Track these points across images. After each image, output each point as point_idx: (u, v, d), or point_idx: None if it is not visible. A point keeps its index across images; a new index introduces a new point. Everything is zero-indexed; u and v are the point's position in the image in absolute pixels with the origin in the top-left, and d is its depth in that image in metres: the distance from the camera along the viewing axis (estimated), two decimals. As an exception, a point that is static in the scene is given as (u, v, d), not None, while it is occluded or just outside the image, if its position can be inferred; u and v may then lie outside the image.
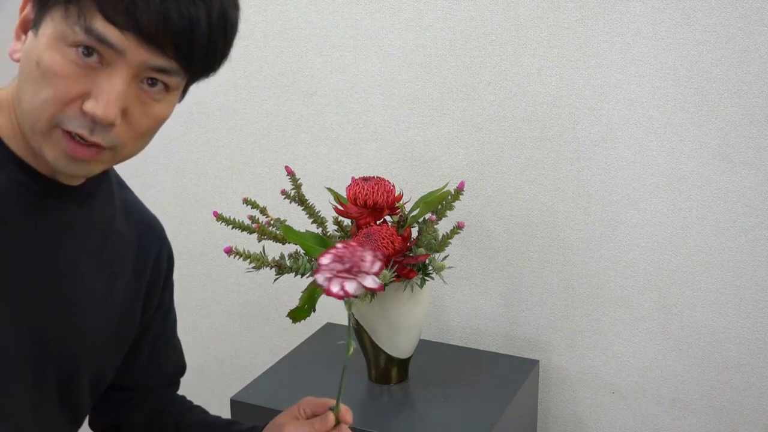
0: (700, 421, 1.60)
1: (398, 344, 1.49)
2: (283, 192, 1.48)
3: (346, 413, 1.03)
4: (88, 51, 0.79)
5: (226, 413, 1.69)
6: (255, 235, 1.42)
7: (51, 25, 0.79)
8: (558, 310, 1.67)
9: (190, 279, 2.05)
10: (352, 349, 0.95)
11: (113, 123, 0.82)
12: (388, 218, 1.45)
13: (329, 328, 1.80)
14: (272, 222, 1.44)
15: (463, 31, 1.63)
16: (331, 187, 1.54)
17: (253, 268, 1.37)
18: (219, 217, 1.40)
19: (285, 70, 1.82)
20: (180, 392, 1.25)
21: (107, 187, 0.99)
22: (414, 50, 1.68)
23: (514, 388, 1.52)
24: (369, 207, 1.42)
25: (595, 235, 1.61)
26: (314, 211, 1.48)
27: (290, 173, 1.46)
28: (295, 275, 1.42)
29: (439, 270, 1.41)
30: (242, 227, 1.41)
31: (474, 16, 1.61)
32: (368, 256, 0.83)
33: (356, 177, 1.47)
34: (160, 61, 0.82)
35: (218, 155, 1.95)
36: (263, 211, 1.45)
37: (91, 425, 1.17)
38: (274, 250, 1.48)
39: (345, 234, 1.49)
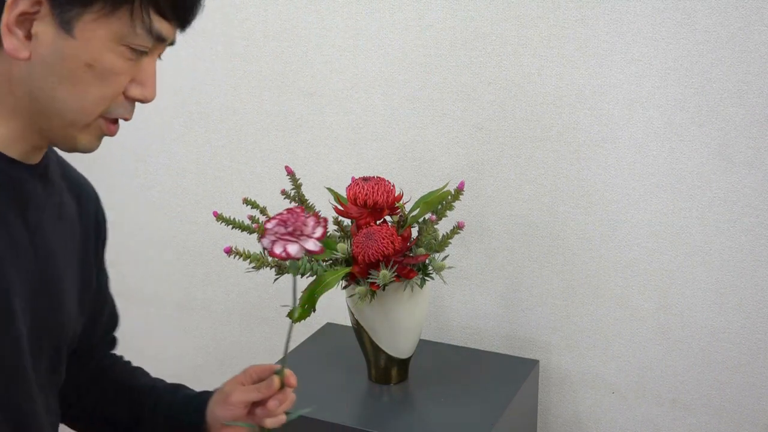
0: (700, 421, 1.60)
1: (398, 344, 1.49)
2: (283, 192, 1.48)
3: (291, 377, 1.05)
4: (142, 47, 0.86)
5: (226, 413, 1.69)
6: (255, 235, 1.42)
7: (101, 26, 0.82)
8: (558, 310, 1.67)
9: (190, 279, 2.05)
10: (297, 314, 0.99)
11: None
12: (388, 218, 1.45)
13: (329, 328, 1.80)
14: (272, 222, 1.43)
15: (463, 31, 1.63)
16: (331, 187, 1.54)
17: (253, 268, 1.37)
18: (219, 217, 1.40)
19: (285, 70, 1.82)
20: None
21: (51, 155, 1.00)
22: (414, 50, 1.68)
23: (514, 388, 1.52)
24: (369, 207, 1.42)
25: (595, 235, 1.61)
26: (314, 211, 1.48)
27: (290, 173, 1.46)
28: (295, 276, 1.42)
29: (439, 270, 1.41)
30: (242, 227, 1.41)
31: (474, 16, 1.61)
32: (311, 221, 0.88)
33: (356, 177, 1.47)
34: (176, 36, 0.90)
35: (218, 155, 1.95)
36: (263, 211, 1.45)
37: None
38: (274, 250, 1.48)
39: (345, 234, 1.49)
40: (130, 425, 1.13)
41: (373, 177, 1.44)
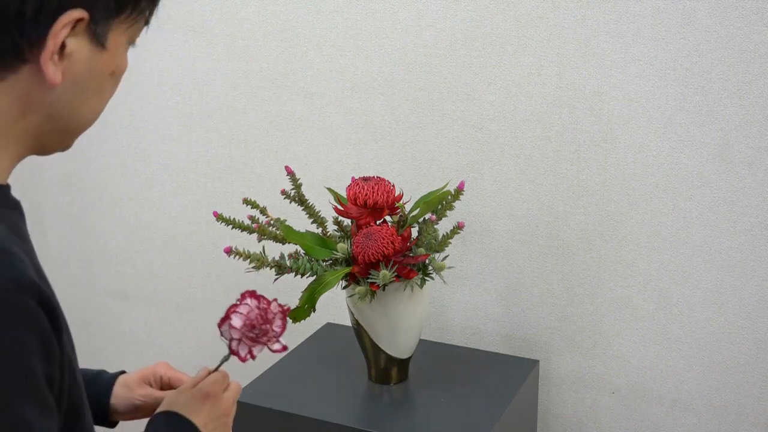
0: (700, 421, 1.60)
1: (398, 344, 1.49)
2: (283, 192, 1.48)
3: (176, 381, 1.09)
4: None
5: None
6: (255, 235, 1.42)
7: (125, 33, 0.80)
8: (558, 310, 1.67)
9: (190, 279, 2.05)
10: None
11: None
12: (388, 218, 1.45)
13: (329, 328, 1.80)
14: (272, 222, 1.44)
15: (463, 31, 1.63)
16: (331, 187, 1.54)
17: (253, 268, 1.37)
18: (219, 217, 1.40)
19: (285, 70, 1.82)
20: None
21: None
22: (414, 50, 1.68)
23: (514, 388, 1.52)
24: (369, 207, 1.42)
25: (595, 235, 1.61)
26: (314, 211, 1.48)
27: (290, 173, 1.46)
28: (295, 275, 1.42)
29: (439, 270, 1.41)
30: (242, 227, 1.41)
31: (474, 16, 1.61)
32: (277, 320, 0.90)
33: (356, 177, 1.47)
34: None
35: (218, 155, 1.95)
36: (263, 211, 1.45)
37: None
38: (274, 250, 1.48)
39: (345, 234, 1.49)
40: None
41: (373, 177, 1.44)
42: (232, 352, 0.88)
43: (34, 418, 0.70)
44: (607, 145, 1.57)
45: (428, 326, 1.78)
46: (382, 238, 1.37)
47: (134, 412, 1.09)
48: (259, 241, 1.42)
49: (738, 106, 1.46)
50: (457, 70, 1.65)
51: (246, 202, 1.44)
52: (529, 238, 1.67)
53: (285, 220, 1.44)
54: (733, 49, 1.44)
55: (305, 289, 1.39)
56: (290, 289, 1.60)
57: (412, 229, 1.46)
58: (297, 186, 1.46)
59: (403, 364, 1.53)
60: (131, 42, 0.82)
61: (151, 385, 1.11)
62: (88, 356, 2.12)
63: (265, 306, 0.90)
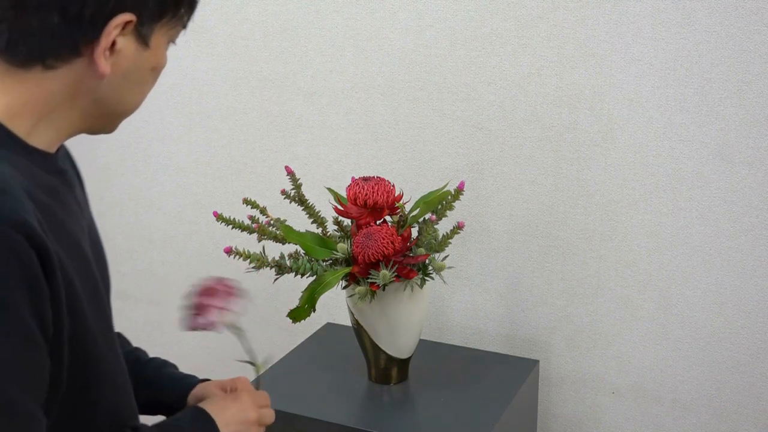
0: (700, 421, 1.60)
1: (398, 344, 1.49)
2: (283, 192, 1.48)
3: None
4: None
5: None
6: (255, 235, 1.42)
7: (166, 33, 0.90)
8: (558, 310, 1.67)
9: (191, 279, 2.05)
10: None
11: None
12: (388, 218, 1.45)
13: (329, 328, 1.80)
14: (272, 222, 1.44)
15: (463, 31, 1.63)
16: (331, 187, 1.54)
17: (253, 268, 1.37)
18: (219, 217, 1.40)
19: (285, 70, 1.82)
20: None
21: None
22: (414, 50, 1.68)
23: (514, 388, 1.52)
24: (369, 207, 1.42)
25: (595, 235, 1.61)
26: (314, 211, 1.48)
27: (290, 173, 1.46)
28: (295, 275, 1.42)
29: (439, 270, 1.41)
30: (242, 227, 1.41)
31: (474, 16, 1.61)
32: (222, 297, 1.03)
33: (356, 177, 1.47)
34: None
35: (218, 155, 1.95)
36: (263, 211, 1.45)
37: None
38: (274, 250, 1.48)
39: (345, 234, 1.49)
40: None
41: (373, 177, 1.44)
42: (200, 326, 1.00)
43: (7, 345, 0.77)
44: (607, 145, 1.57)
45: (428, 326, 1.78)
46: (382, 238, 1.37)
47: None
48: (259, 241, 1.42)
49: (738, 106, 1.46)
50: (457, 70, 1.65)
51: (246, 202, 1.44)
52: (529, 238, 1.67)
53: (285, 220, 1.44)
54: (733, 49, 1.44)
55: (305, 289, 1.39)
56: (290, 289, 1.60)
57: (412, 229, 1.46)
58: (297, 186, 1.46)
59: (403, 364, 1.53)
60: (171, 41, 0.93)
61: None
62: (88, 356, 2.12)
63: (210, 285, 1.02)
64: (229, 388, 1.13)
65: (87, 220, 0.99)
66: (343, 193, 1.47)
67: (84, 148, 2.06)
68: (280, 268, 1.40)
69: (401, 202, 1.45)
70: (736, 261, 1.52)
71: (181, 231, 2.05)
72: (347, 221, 1.50)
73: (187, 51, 1.88)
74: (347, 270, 1.41)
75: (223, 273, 2.00)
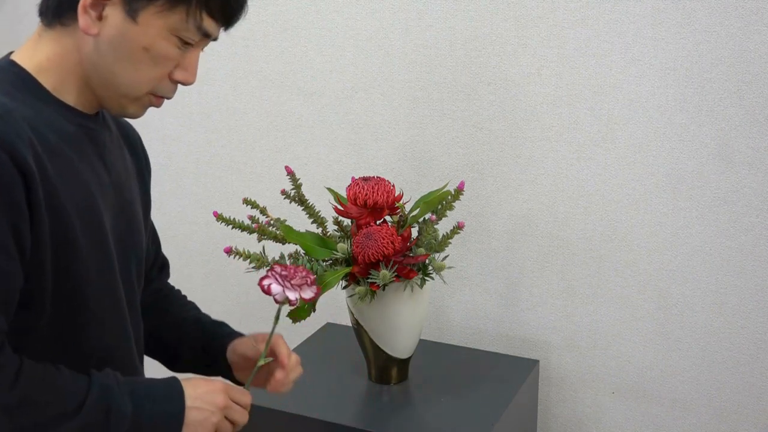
0: (700, 421, 1.60)
1: (398, 344, 1.49)
2: (283, 192, 1.48)
3: (284, 358, 1.15)
4: (191, 40, 1.01)
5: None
6: (255, 235, 1.42)
7: (160, 18, 0.97)
8: (558, 310, 1.67)
9: (190, 279, 2.05)
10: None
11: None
12: (388, 218, 1.45)
13: (329, 328, 1.80)
14: (272, 222, 1.44)
15: (463, 31, 1.63)
16: (331, 187, 1.54)
17: (253, 268, 1.37)
18: (219, 217, 1.40)
19: (285, 70, 1.82)
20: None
21: None
22: (414, 50, 1.68)
23: (514, 388, 1.52)
24: (369, 207, 1.42)
25: (595, 235, 1.61)
26: (314, 211, 1.48)
27: (290, 173, 1.46)
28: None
29: (439, 270, 1.41)
30: (242, 227, 1.41)
31: (474, 16, 1.61)
32: (304, 272, 1.07)
33: (356, 177, 1.47)
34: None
35: (218, 155, 1.95)
36: (263, 211, 1.45)
37: None
38: (274, 250, 1.48)
39: (345, 234, 1.49)
40: (174, 352, 1.26)
41: (373, 177, 1.44)
42: (260, 286, 1.06)
43: None
44: (607, 145, 1.57)
45: (428, 326, 1.78)
46: (382, 238, 1.37)
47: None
48: (259, 241, 1.42)
49: (738, 106, 1.46)
50: (457, 70, 1.65)
51: (246, 202, 1.44)
52: (529, 238, 1.67)
53: (285, 220, 1.44)
54: (733, 49, 1.44)
55: (305, 289, 1.39)
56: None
57: (412, 229, 1.46)
58: (297, 186, 1.46)
59: (403, 364, 1.53)
60: (173, 32, 0.98)
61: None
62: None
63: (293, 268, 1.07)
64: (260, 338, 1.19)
65: (118, 180, 1.08)
66: (343, 193, 1.47)
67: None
68: (280, 268, 1.40)
69: (401, 202, 1.45)
70: (736, 261, 1.52)
71: (181, 231, 2.05)
72: (347, 221, 1.50)
73: (187, 51, 1.88)
74: (347, 270, 1.41)
75: (223, 273, 2.01)
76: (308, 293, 1.06)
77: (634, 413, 1.66)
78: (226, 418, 1.06)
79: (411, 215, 1.46)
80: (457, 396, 1.49)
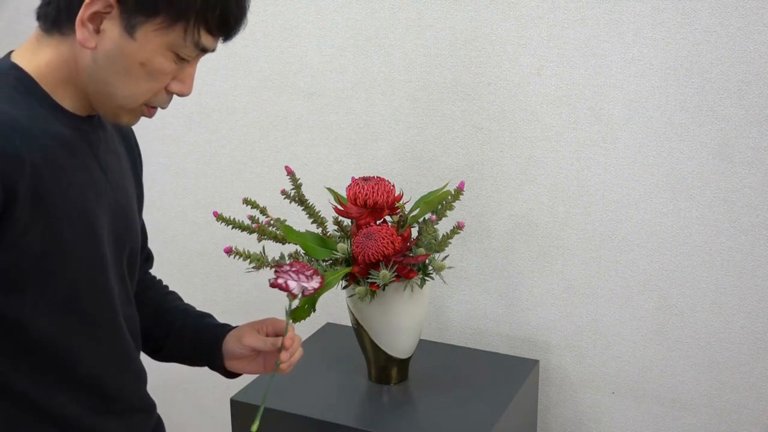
0: (700, 421, 1.60)
1: (398, 344, 1.49)
2: (283, 192, 1.48)
3: (288, 340, 1.18)
4: (188, 57, 1.01)
5: (226, 413, 1.69)
6: (255, 235, 1.42)
7: (158, 35, 0.97)
8: (558, 310, 1.67)
9: (190, 279, 2.05)
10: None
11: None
12: (388, 218, 1.45)
13: (329, 328, 1.80)
14: (272, 222, 1.44)
15: (463, 31, 1.63)
16: (331, 187, 1.54)
17: (253, 268, 1.37)
18: (219, 217, 1.40)
19: (285, 70, 1.82)
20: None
21: None
22: (414, 50, 1.68)
23: (514, 388, 1.52)
24: (369, 207, 1.42)
25: (595, 235, 1.61)
26: (314, 211, 1.48)
27: (290, 173, 1.46)
28: (295, 275, 1.42)
29: (439, 270, 1.41)
30: (242, 227, 1.41)
31: (474, 16, 1.61)
32: (310, 270, 1.11)
33: (356, 177, 1.47)
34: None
35: (218, 155, 1.95)
36: (263, 211, 1.45)
37: None
38: (274, 250, 1.48)
39: (345, 234, 1.49)
40: (159, 341, 1.27)
41: (373, 177, 1.44)
42: (278, 286, 1.09)
43: None
44: (607, 145, 1.57)
45: (428, 326, 1.78)
46: (382, 238, 1.37)
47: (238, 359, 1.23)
48: (259, 241, 1.42)
49: (738, 106, 1.46)
50: (457, 70, 1.65)
51: (246, 202, 1.44)
52: (529, 238, 1.67)
53: (285, 220, 1.44)
54: (733, 49, 1.44)
55: (305, 289, 1.39)
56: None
57: (412, 229, 1.46)
58: (297, 186, 1.46)
59: (403, 364, 1.53)
60: (170, 48, 0.98)
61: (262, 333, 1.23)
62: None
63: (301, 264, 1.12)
64: (264, 329, 1.22)
65: (115, 180, 1.10)
66: (343, 193, 1.47)
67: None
68: (280, 268, 1.40)
69: (401, 202, 1.45)
70: (736, 261, 1.52)
71: (181, 231, 2.05)
72: (347, 221, 1.50)
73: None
74: (347, 270, 1.41)
75: (223, 273, 2.01)
76: (316, 283, 1.11)
77: (634, 413, 1.66)
78: None
79: (411, 215, 1.46)
80: (457, 396, 1.49)
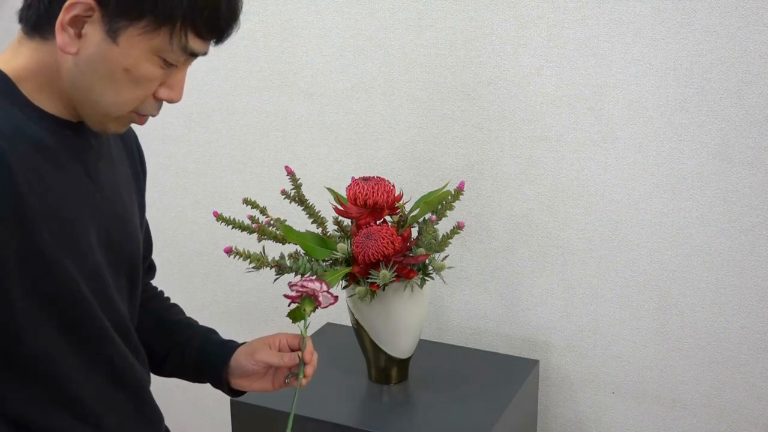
0: (700, 421, 1.60)
1: (398, 344, 1.49)
2: (283, 192, 1.48)
3: (307, 354, 1.16)
4: (176, 62, 0.96)
5: (226, 413, 1.69)
6: (255, 235, 1.42)
7: (143, 40, 0.92)
8: (558, 310, 1.67)
9: (190, 279, 2.05)
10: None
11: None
12: (388, 218, 1.45)
13: (329, 328, 1.80)
14: (272, 222, 1.44)
15: (463, 31, 1.63)
16: (331, 187, 1.54)
17: (253, 268, 1.37)
18: (219, 217, 1.40)
19: (285, 70, 1.82)
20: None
21: None
22: (414, 50, 1.68)
23: (514, 388, 1.52)
24: (369, 207, 1.42)
25: (595, 235, 1.61)
26: (314, 211, 1.48)
27: (290, 173, 1.46)
28: (295, 275, 1.42)
29: (439, 270, 1.41)
30: (242, 227, 1.41)
31: (474, 16, 1.61)
32: (324, 284, 1.10)
33: (356, 177, 1.47)
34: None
35: (218, 155, 1.95)
36: (263, 211, 1.45)
37: None
38: (274, 250, 1.48)
39: (345, 234, 1.49)
40: (161, 356, 1.23)
41: (373, 177, 1.44)
42: (292, 298, 1.09)
43: None
44: (607, 145, 1.57)
45: (428, 326, 1.78)
46: (382, 238, 1.37)
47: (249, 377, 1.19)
48: (259, 241, 1.42)
49: (738, 106, 1.46)
50: (457, 70, 1.65)
51: (246, 202, 1.44)
52: (529, 238, 1.67)
53: (285, 220, 1.44)
54: (733, 49, 1.44)
55: (305, 289, 1.39)
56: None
57: (412, 229, 1.46)
58: (297, 186, 1.46)
59: (403, 364, 1.53)
60: (156, 53, 0.94)
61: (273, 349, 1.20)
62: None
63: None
64: (277, 344, 1.19)
65: (109, 188, 1.05)
66: (343, 193, 1.47)
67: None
68: (280, 268, 1.40)
69: (401, 202, 1.45)
70: (736, 261, 1.52)
71: (181, 231, 2.05)
72: (347, 221, 1.50)
73: (187, 51, 1.88)
74: (347, 270, 1.41)
75: (222, 273, 2.01)
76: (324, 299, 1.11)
77: (634, 413, 1.66)
78: None
79: (411, 215, 1.46)
80: (457, 396, 1.49)
